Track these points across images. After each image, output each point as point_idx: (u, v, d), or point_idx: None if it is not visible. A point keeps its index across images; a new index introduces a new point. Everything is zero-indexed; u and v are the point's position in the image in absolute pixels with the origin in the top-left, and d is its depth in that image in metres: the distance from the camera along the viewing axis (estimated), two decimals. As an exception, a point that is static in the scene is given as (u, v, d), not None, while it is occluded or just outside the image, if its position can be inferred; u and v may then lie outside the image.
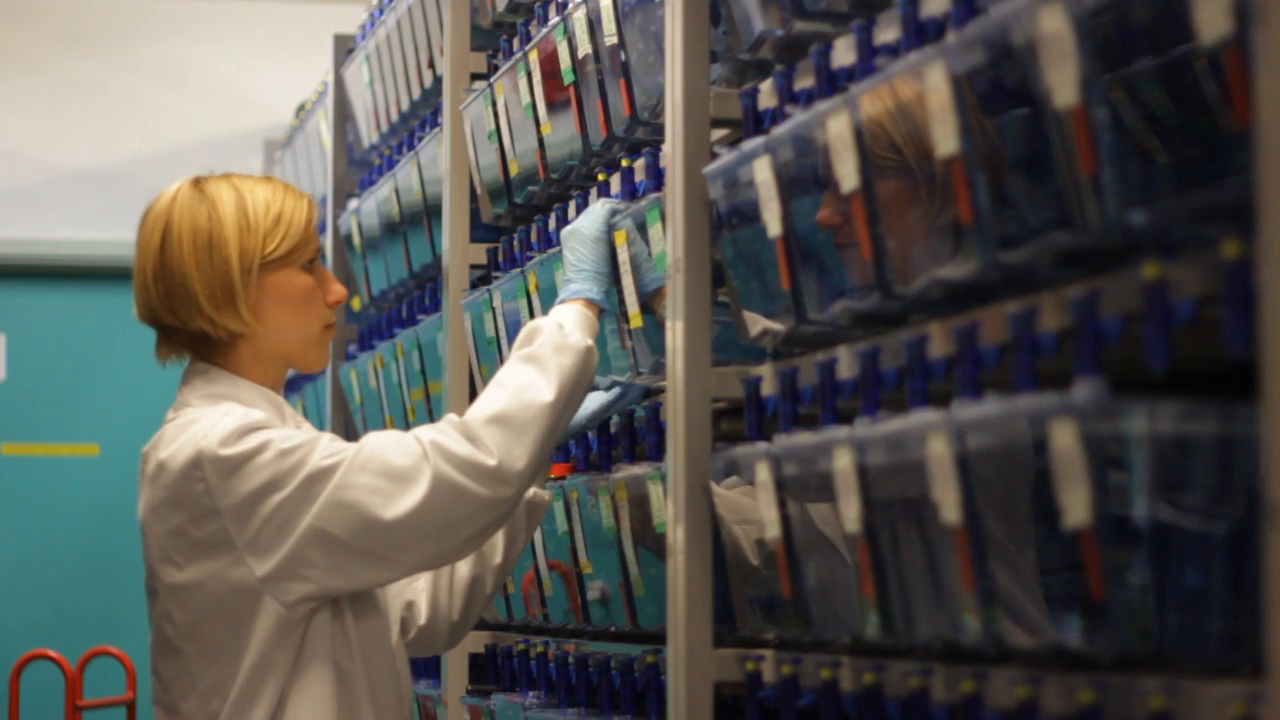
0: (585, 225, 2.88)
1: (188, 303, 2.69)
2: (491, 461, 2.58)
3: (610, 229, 2.88)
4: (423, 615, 2.92)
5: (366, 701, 2.67)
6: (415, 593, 2.92)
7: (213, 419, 2.63)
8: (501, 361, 3.14)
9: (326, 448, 2.61)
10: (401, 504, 2.57)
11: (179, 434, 2.64)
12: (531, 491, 2.93)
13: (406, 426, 4.41)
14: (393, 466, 2.58)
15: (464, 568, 2.93)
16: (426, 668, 4.25)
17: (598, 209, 2.90)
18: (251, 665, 2.60)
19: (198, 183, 2.74)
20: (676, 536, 2.64)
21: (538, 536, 3.24)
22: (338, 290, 2.79)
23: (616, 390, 2.95)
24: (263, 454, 2.59)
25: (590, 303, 2.81)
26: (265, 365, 2.74)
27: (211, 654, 2.62)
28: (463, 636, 3.00)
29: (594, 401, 2.95)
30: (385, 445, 2.61)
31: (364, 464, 2.59)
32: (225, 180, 2.74)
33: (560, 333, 2.72)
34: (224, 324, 2.69)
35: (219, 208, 2.70)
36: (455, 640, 2.99)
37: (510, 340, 3.34)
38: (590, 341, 2.74)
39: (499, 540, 2.92)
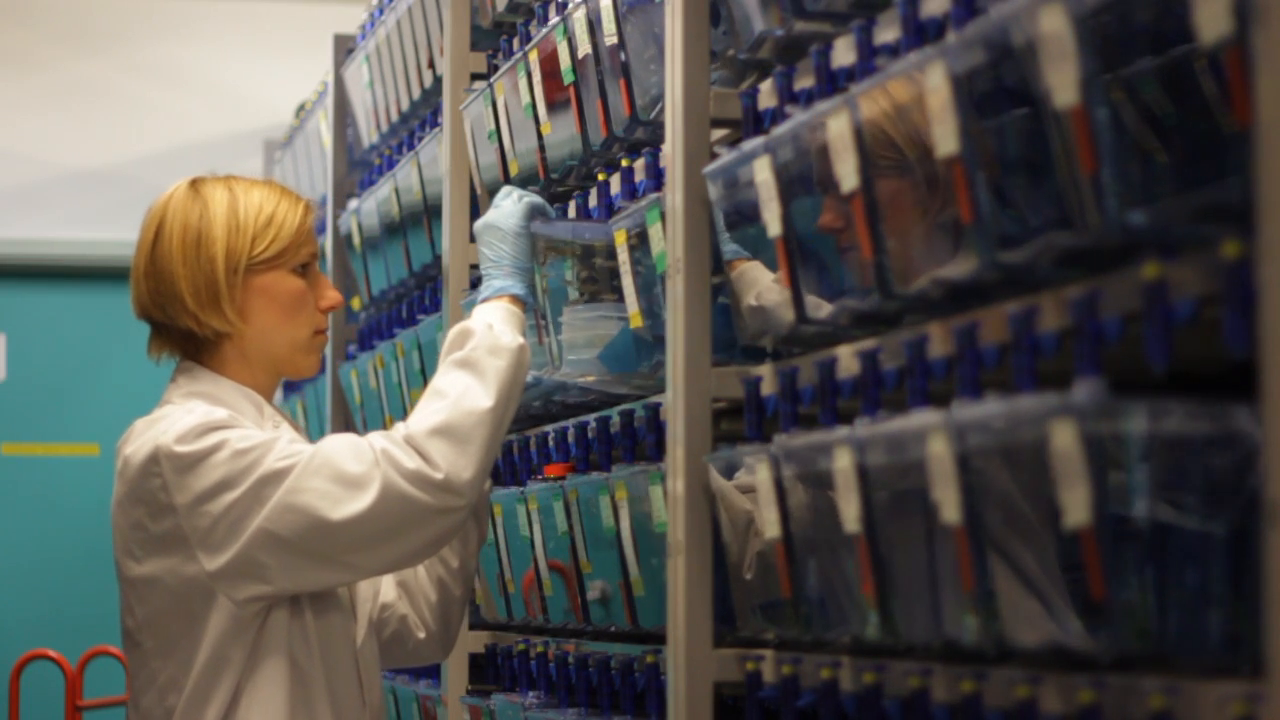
0: (502, 219, 2.89)
1: (174, 299, 2.72)
2: (439, 475, 2.60)
3: (529, 223, 2.88)
4: (420, 629, 2.96)
5: (324, 701, 2.68)
6: (404, 608, 2.94)
7: (176, 416, 2.66)
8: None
9: (283, 450, 2.62)
10: (349, 507, 2.58)
11: (146, 430, 2.68)
12: None
13: (406, 426, 4.42)
14: (344, 472, 2.60)
15: (427, 582, 2.96)
16: (427, 668, 4.25)
17: (512, 203, 2.91)
18: (205, 661, 2.64)
19: (195, 183, 2.78)
20: (676, 536, 2.64)
21: (538, 537, 3.24)
22: (331, 296, 2.81)
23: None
24: (218, 453, 2.61)
25: (515, 299, 2.82)
26: (253, 367, 2.76)
27: (168, 649, 2.66)
28: (454, 642, 3.04)
29: None
30: (339, 450, 2.62)
31: (317, 469, 2.60)
32: (223, 182, 2.78)
33: (491, 334, 2.73)
34: (208, 322, 2.72)
35: (210, 207, 2.74)
36: (449, 647, 3.03)
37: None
38: (522, 339, 2.75)
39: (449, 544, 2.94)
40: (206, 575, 2.61)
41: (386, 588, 2.94)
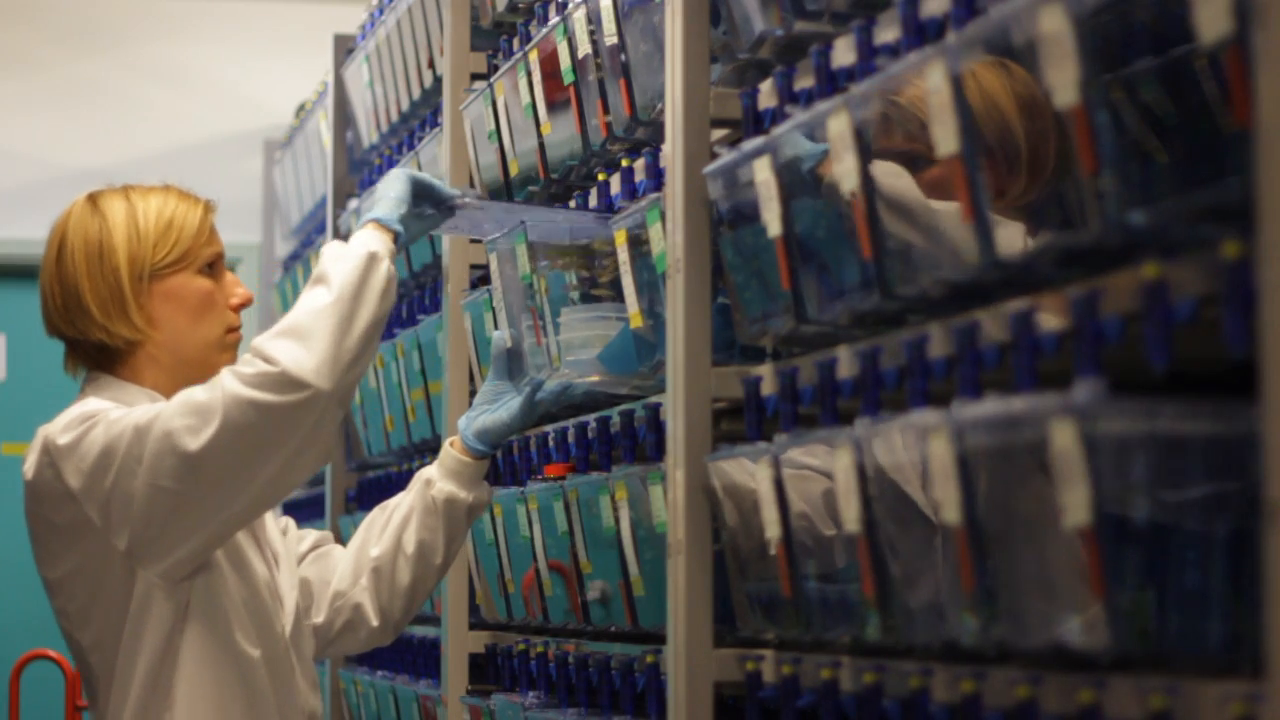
0: (393, 171, 2.94)
1: (81, 313, 2.77)
2: (276, 369, 2.59)
3: (409, 170, 2.91)
4: (374, 618, 2.97)
5: (248, 684, 2.70)
6: (360, 596, 2.95)
7: (65, 413, 2.71)
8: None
9: (149, 407, 2.65)
10: (206, 432, 2.59)
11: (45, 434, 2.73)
12: (471, 495, 2.94)
13: (406, 426, 4.42)
14: (194, 402, 2.61)
15: (405, 572, 2.96)
16: (427, 668, 4.25)
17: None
18: (130, 635, 2.67)
19: (93, 197, 2.82)
20: (676, 536, 2.64)
21: (538, 536, 3.24)
22: (241, 293, 2.85)
23: (528, 389, 2.97)
24: (95, 428, 2.65)
25: (380, 224, 2.82)
26: (165, 372, 2.78)
27: (105, 639, 2.69)
28: (403, 629, 3.06)
29: (514, 404, 2.97)
30: (192, 389, 2.64)
31: (175, 409, 2.62)
32: (120, 192, 2.82)
33: (339, 248, 2.76)
34: (118, 332, 2.76)
35: (109, 219, 2.78)
36: (398, 633, 3.04)
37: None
38: (374, 249, 2.74)
39: (439, 542, 2.95)
40: (123, 555, 2.64)
41: (340, 575, 2.96)
